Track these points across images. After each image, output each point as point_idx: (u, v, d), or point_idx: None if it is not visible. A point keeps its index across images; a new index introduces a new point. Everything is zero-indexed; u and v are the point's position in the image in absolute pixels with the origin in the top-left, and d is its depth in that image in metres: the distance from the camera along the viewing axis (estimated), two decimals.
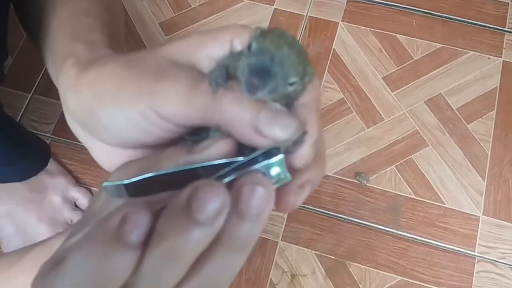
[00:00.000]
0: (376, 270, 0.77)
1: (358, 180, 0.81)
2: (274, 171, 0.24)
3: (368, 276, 0.76)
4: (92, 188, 0.81)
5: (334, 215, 0.80)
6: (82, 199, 0.78)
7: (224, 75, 0.26)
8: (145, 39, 0.93)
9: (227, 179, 0.23)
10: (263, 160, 0.24)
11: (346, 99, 0.87)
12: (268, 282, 0.76)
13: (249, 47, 0.25)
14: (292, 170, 0.25)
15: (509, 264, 0.77)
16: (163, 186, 0.25)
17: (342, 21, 0.94)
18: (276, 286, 0.76)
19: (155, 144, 0.29)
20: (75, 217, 0.76)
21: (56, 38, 0.39)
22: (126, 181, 0.25)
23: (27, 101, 0.87)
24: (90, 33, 0.38)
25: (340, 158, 0.83)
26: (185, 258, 0.22)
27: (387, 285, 0.76)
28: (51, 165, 0.77)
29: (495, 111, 0.87)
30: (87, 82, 0.31)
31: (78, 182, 0.81)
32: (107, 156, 0.32)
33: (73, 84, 0.32)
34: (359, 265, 0.77)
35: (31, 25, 0.44)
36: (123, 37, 0.48)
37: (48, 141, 0.84)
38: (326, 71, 0.89)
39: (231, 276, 0.24)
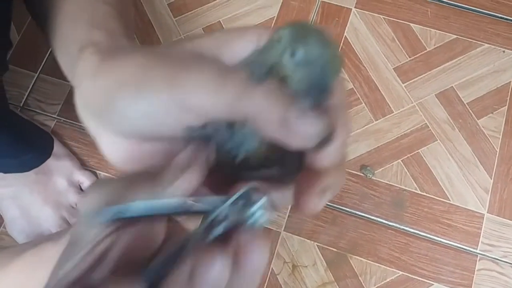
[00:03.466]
0: (377, 264, 0.77)
1: (363, 173, 0.81)
2: (259, 214, 0.24)
3: (369, 269, 0.77)
4: (98, 172, 0.81)
5: (338, 207, 0.80)
6: (87, 182, 0.78)
7: (265, 70, 0.25)
8: (154, 20, 0.91)
9: (214, 234, 0.23)
10: (243, 203, 0.24)
11: (355, 90, 0.86)
12: (269, 272, 0.77)
13: (292, 52, 0.24)
14: (316, 172, 0.26)
15: (510, 263, 0.77)
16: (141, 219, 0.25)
17: (355, 7, 0.91)
18: (277, 276, 0.77)
19: (165, 136, 0.29)
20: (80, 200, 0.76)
21: (71, 25, 0.38)
22: (102, 219, 0.24)
23: (33, 81, 0.87)
24: (109, 21, 0.37)
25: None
26: None
27: (388, 280, 0.76)
28: (57, 147, 0.77)
29: (506, 106, 0.85)
30: (108, 69, 0.30)
31: (84, 165, 0.81)
32: (114, 148, 0.32)
33: (93, 72, 0.31)
34: (361, 258, 0.77)
35: (40, 11, 0.43)
36: (134, 29, 0.47)
37: (53, 122, 0.83)
38: None
39: None
